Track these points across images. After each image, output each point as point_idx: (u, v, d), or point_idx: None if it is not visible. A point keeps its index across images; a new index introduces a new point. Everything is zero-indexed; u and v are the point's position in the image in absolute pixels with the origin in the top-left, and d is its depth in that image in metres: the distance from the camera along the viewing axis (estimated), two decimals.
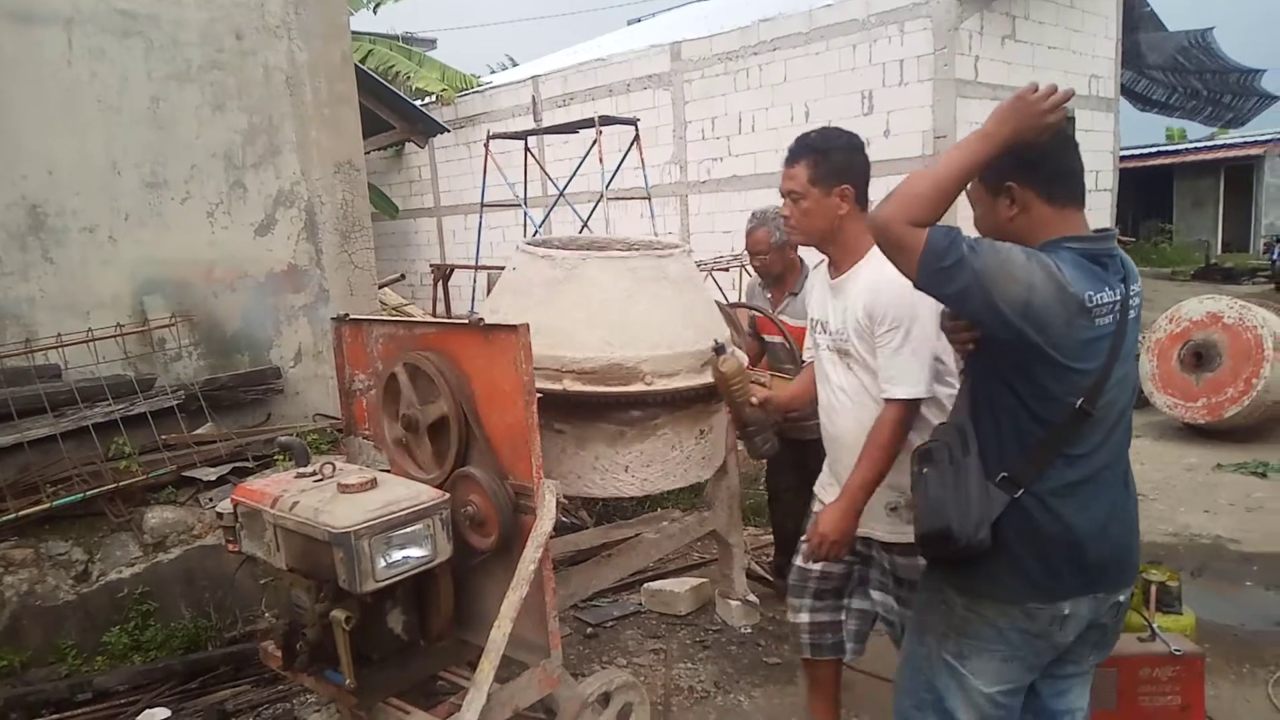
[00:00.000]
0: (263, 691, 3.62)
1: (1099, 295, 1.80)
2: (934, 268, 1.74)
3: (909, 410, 2.39)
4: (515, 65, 20.19)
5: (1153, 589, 3.62)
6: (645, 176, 9.68)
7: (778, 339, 4.06)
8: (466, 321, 2.75)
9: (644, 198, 9.65)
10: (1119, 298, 1.85)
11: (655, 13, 18.50)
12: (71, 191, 4.44)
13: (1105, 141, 11.93)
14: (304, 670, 2.74)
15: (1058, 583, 1.89)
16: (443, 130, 12.73)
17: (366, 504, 2.53)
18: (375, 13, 16.41)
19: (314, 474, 2.79)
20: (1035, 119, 1.76)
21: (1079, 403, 1.81)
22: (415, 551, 2.57)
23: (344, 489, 2.61)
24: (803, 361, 3.98)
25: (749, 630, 4.14)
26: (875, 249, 2.25)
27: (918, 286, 1.82)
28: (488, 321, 2.69)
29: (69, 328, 4.33)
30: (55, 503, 3.88)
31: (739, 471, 4.22)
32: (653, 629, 4.21)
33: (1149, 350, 6.99)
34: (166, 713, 3.45)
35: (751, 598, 4.23)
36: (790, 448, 4.11)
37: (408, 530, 2.56)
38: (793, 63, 10.65)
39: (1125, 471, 2.00)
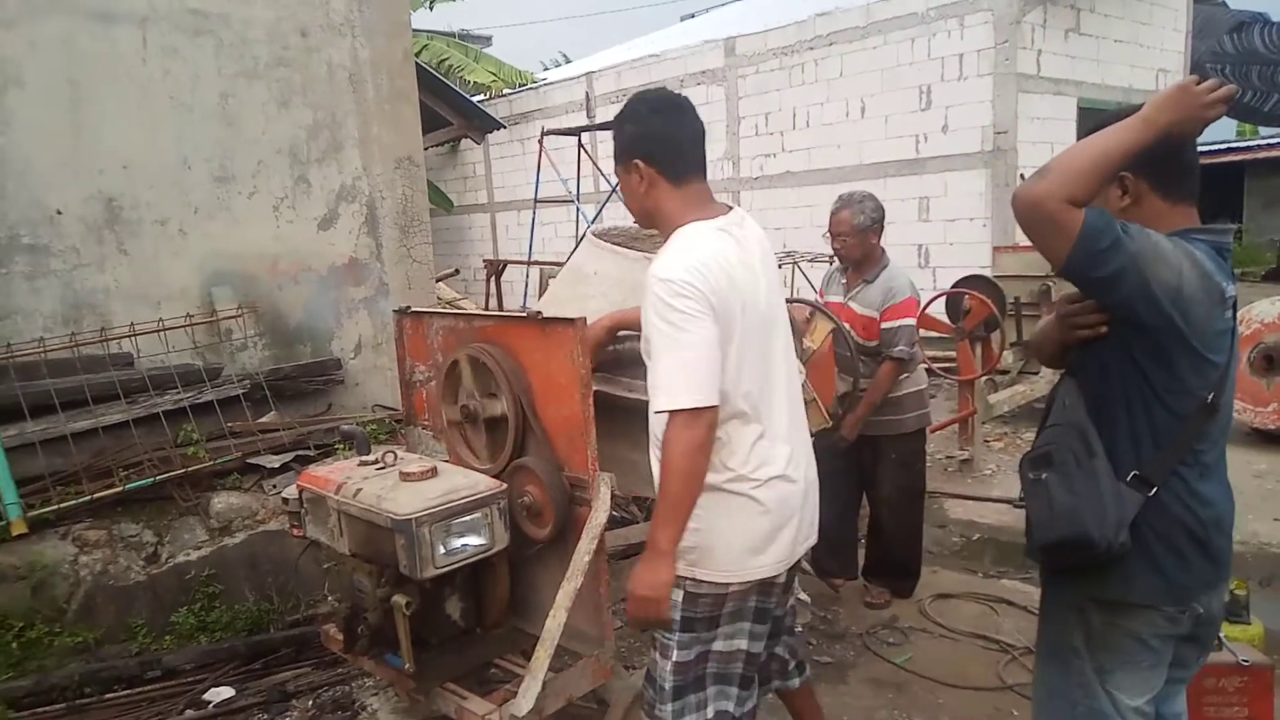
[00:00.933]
0: (323, 674, 3.70)
1: (1230, 288, 1.80)
2: (1092, 250, 1.67)
3: (690, 424, 1.92)
4: (569, 62, 20.29)
5: None
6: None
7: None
8: (525, 315, 2.78)
9: None
10: (1236, 293, 1.85)
11: (709, 8, 18.46)
12: (145, 185, 4.60)
13: None
14: (364, 653, 2.81)
15: (1194, 578, 1.85)
16: (499, 126, 12.85)
17: (427, 492, 2.59)
18: (431, 9, 16.61)
19: (376, 462, 2.86)
20: (1198, 110, 1.70)
21: (1210, 396, 1.79)
22: (473, 540, 2.62)
23: (405, 477, 2.67)
24: (862, 347, 3.98)
25: (800, 629, 4.11)
26: (681, 230, 2.05)
27: (1063, 270, 1.74)
28: (547, 314, 2.72)
29: (141, 317, 4.48)
30: (127, 486, 4.02)
31: None
32: None
33: None
34: (231, 692, 3.56)
35: (803, 596, 4.19)
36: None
37: (466, 519, 2.61)
38: (849, 57, 10.54)
39: (1225, 468, 1.97)
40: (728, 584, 2.09)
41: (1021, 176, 9.38)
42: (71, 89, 4.34)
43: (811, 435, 4.10)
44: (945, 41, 9.66)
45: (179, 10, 4.60)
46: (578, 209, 10.58)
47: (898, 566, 4.31)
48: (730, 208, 2.17)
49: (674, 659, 2.15)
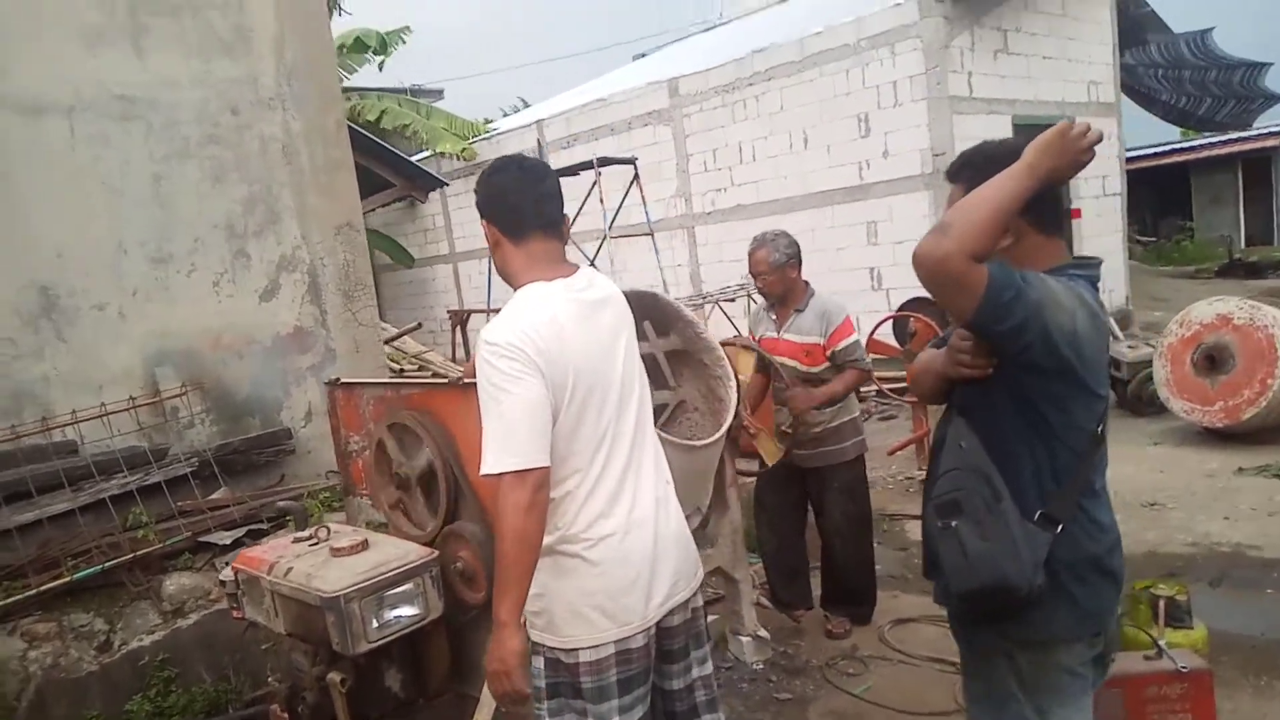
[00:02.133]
0: None
1: (1109, 321, 1.87)
2: (997, 304, 1.69)
3: (516, 487, 1.89)
4: (528, 106, 20.49)
5: (1161, 604, 3.60)
6: (647, 213, 9.82)
7: (781, 358, 4.12)
8: (447, 381, 2.83)
9: (647, 234, 9.76)
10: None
11: (661, 46, 18.75)
12: (81, 272, 4.62)
13: (1110, 146, 11.89)
14: None
15: (1103, 603, 1.89)
16: (442, 184, 12.96)
17: (357, 567, 2.61)
18: (381, 69, 16.77)
19: (310, 538, 2.87)
20: (1074, 155, 1.73)
21: (1099, 429, 1.83)
22: (407, 610, 2.63)
23: (336, 552, 2.69)
24: (808, 375, 4.05)
25: (761, 666, 4.13)
26: (519, 291, 2.07)
27: (969, 324, 1.77)
28: (467, 379, 2.76)
29: (84, 403, 4.48)
30: (76, 575, 3.99)
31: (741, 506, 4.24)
32: None
33: (1161, 355, 6.94)
34: None
35: (762, 632, 4.23)
36: (784, 466, 4.16)
37: (398, 590, 2.62)
38: (788, 91, 10.76)
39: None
40: (576, 650, 2.03)
41: None
42: (1, 181, 4.36)
43: (764, 467, 4.18)
44: (879, 70, 9.89)
45: (105, 98, 4.65)
46: None
47: (853, 594, 4.35)
48: (577, 268, 2.16)
49: None
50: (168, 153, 4.88)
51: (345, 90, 16.11)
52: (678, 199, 12.25)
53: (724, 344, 4.28)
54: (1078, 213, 11.19)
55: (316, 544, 2.82)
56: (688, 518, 2.36)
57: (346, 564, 2.63)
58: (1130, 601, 3.74)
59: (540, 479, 1.91)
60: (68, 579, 3.97)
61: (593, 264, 9.76)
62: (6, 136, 4.38)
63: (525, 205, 2.10)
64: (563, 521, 2.04)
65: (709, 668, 2.31)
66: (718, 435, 3.39)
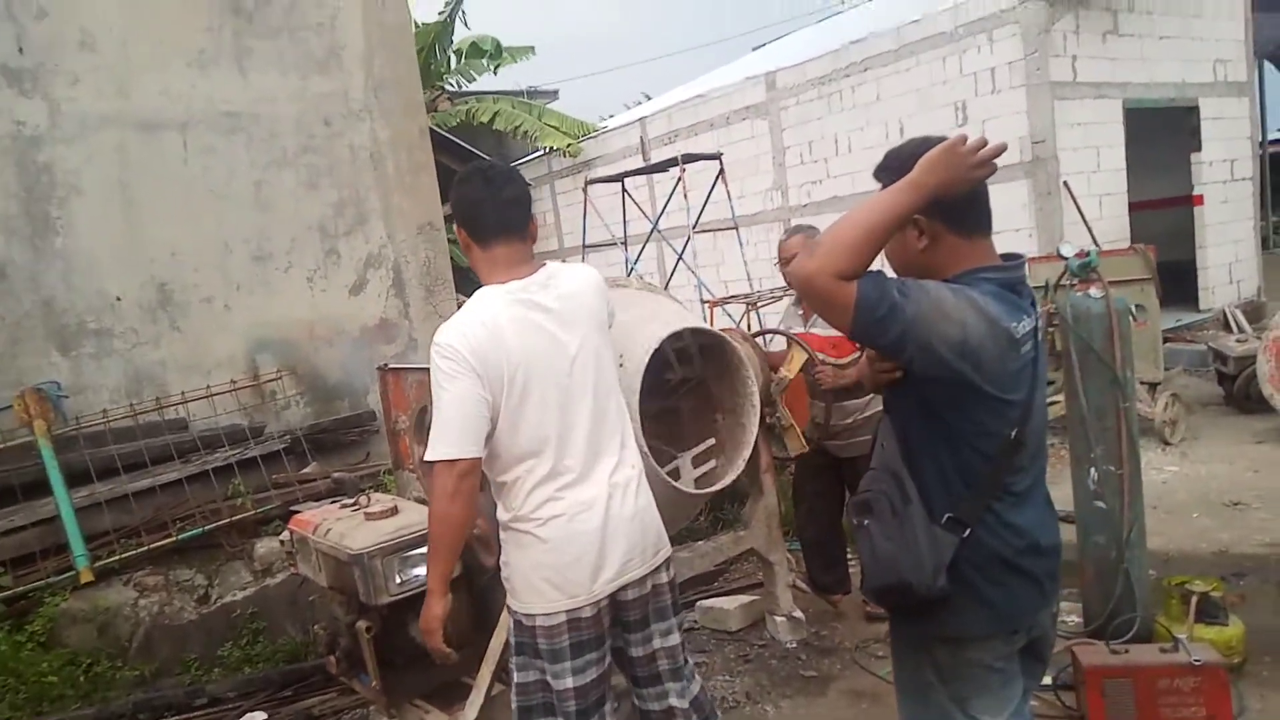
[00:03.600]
0: (345, 699, 4.08)
1: (1021, 325, 1.80)
2: (868, 320, 1.70)
3: (444, 473, 2.13)
4: (650, 100, 20.80)
5: (1194, 600, 3.53)
6: (732, 208, 9.92)
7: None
8: None
9: (732, 228, 9.90)
10: (1034, 324, 1.84)
11: (779, 37, 18.69)
12: (192, 269, 5.21)
13: (1240, 128, 11.14)
14: (344, 674, 3.16)
15: (1020, 604, 1.90)
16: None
17: (383, 529, 2.95)
18: (495, 74, 17.47)
19: (353, 504, 3.24)
20: (964, 172, 1.70)
21: (1014, 433, 1.81)
22: (425, 569, 2.94)
23: (369, 516, 3.04)
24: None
25: (794, 645, 4.26)
26: (476, 294, 2.26)
27: (851, 338, 1.81)
28: None
29: (193, 385, 5.06)
30: (181, 536, 4.56)
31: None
32: (702, 644, 4.40)
33: (1265, 350, 6.57)
34: (264, 716, 3.98)
35: (797, 613, 4.35)
36: (822, 455, 4.26)
37: (418, 551, 2.94)
38: (884, 81, 10.63)
39: (1045, 489, 2.02)
40: (532, 614, 2.25)
41: (1065, 185, 9.26)
42: (124, 191, 5.00)
43: (790, 459, 4.29)
44: (976, 57, 9.64)
45: (214, 114, 5.23)
46: (625, 252, 10.98)
47: None
48: (541, 267, 2.31)
49: (515, 680, 2.37)
50: (268, 161, 5.43)
51: (462, 94, 16.94)
52: (774, 192, 12.29)
53: (758, 334, 4.44)
54: (1199, 199, 10.57)
55: (356, 509, 3.18)
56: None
57: (375, 526, 2.97)
58: (1162, 596, 3.69)
59: (466, 468, 2.13)
60: (174, 539, 4.54)
61: (680, 258, 9.98)
62: (128, 151, 5.00)
63: (488, 213, 2.27)
64: (514, 503, 2.27)
65: (673, 639, 2.48)
66: (709, 491, 3.55)
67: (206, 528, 4.63)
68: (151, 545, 4.49)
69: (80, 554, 4.33)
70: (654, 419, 3.42)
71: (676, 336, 3.41)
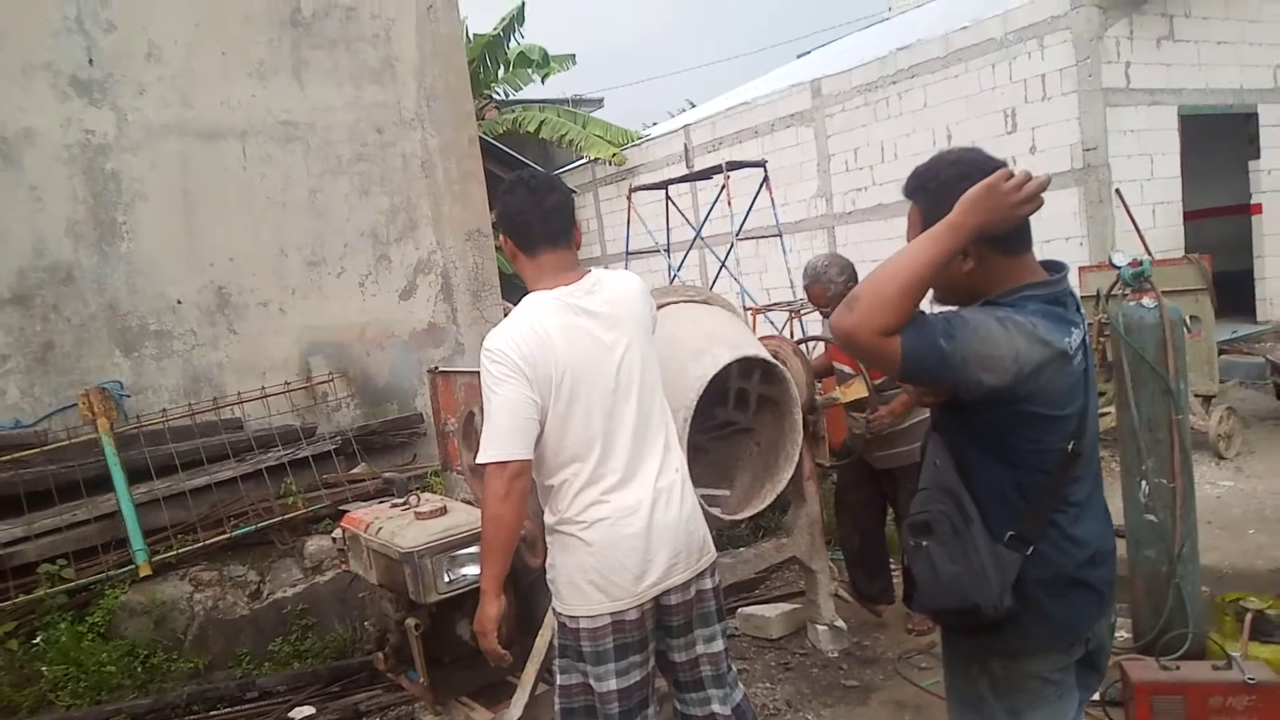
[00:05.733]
0: (391, 696, 4.16)
1: (1072, 339, 1.76)
2: (914, 372, 1.68)
3: (495, 476, 2.18)
4: (694, 107, 20.89)
5: (1248, 617, 3.46)
6: (776, 215, 9.91)
7: (843, 366, 4.23)
8: None
9: (776, 235, 9.88)
10: (1083, 335, 1.84)
11: (825, 44, 18.65)
12: (249, 273, 5.36)
13: None
14: (392, 670, 3.24)
15: (1081, 617, 1.88)
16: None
17: (432, 528, 3.01)
18: (543, 82, 17.66)
19: (404, 503, 3.31)
20: (1007, 210, 1.65)
21: (1070, 446, 1.78)
22: (473, 569, 3.00)
23: (419, 516, 3.11)
24: (878, 386, 4.14)
25: (835, 654, 4.25)
26: (524, 300, 2.31)
27: (901, 381, 1.87)
28: None
29: (249, 386, 5.20)
30: (235, 533, 4.69)
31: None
32: (742, 651, 4.41)
33: None
34: (312, 710, 4.08)
35: (839, 623, 4.34)
36: (863, 465, 4.26)
37: (467, 551, 3.00)
38: (931, 88, 10.56)
39: (1102, 496, 1.98)
40: (576, 617, 2.28)
41: (1117, 192, 9.11)
42: (185, 197, 5.17)
43: (822, 466, 4.29)
44: (1026, 63, 9.54)
45: (272, 123, 5.38)
46: (667, 260, 11.02)
47: None
48: (586, 274, 2.35)
49: (558, 682, 2.41)
50: (323, 169, 5.57)
51: (509, 102, 17.15)
52: (819, 199, 12.25)
53: (803, 341, 4.45)
54: (1257, 208, 10.32)
55: (406, 508, 3.25)
56: None
57: (425, 526, 3.04)
58: (1216, 613, 3.62)
59: (517, 470, 2.18)
60: (228, 535, 4.67)
61: (723, 266, 9.99)
62: (190, 159, 5.17)
63: (533, 222, 2.32)
64: (560, 505, 2.31)
65: (717, 645, 2.49)
66: (741, 516, 3.63)
67: (259, 525, 4.75)
68: (207, 541, 4.62)
69: (139, 548, 4.47)
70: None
71: (745, 375, 3.46)
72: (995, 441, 1.79)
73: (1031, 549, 1.79)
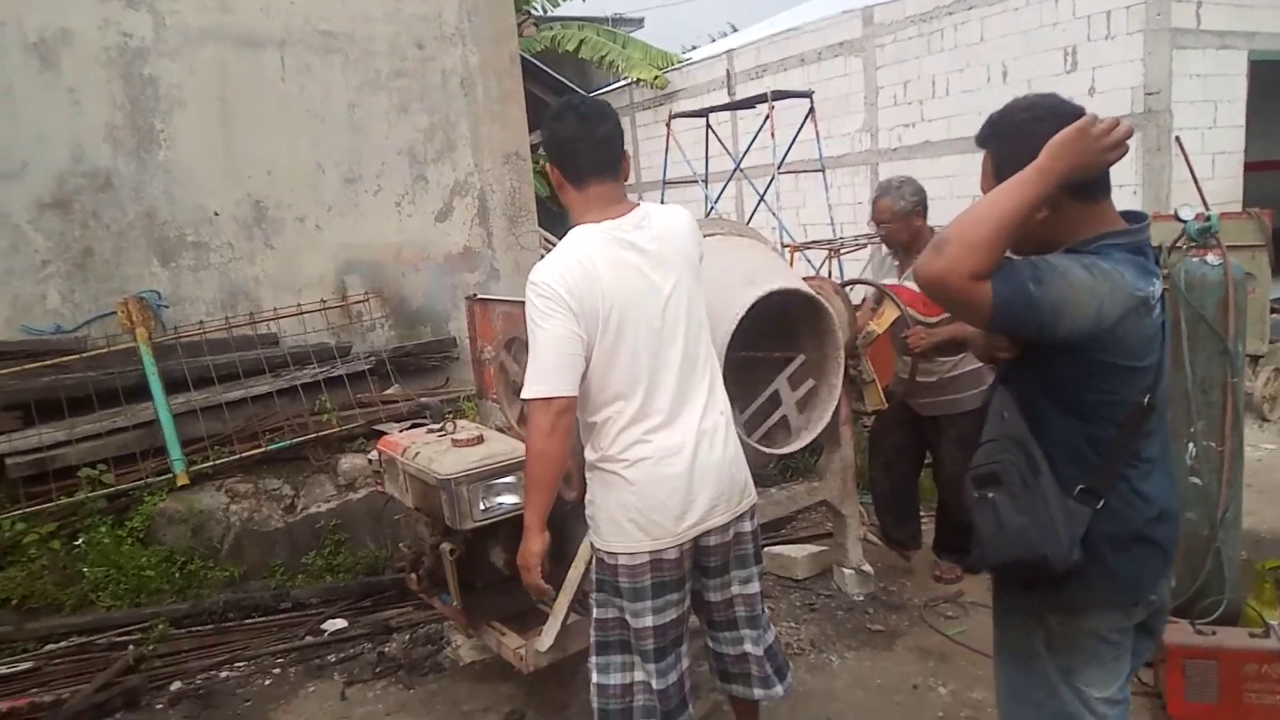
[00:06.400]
0: (420, 613, 4.24)
1: (1154, 289, 1.74)
2: (1005, 319, 1.67)
3: (541, 411, 2.16)
4: (736, 32, 20.29)
5: None
6: (820, 149, 9.67)
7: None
8: None
9: (819, 170, 9.65)
10: (1162, 285, 1.78)
11: None
12: (287, 188, 5.30)
13: None
14: (425, 592, 3.28)
15: (1146, 574, 1.86)
16: None
17: (470, 456, 3.01)
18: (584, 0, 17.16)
19: (440, 429, 3.31)
20: (1096, 155, 1.63)
21: (1146, 399, 1.77)
22: (509, 498, 3.01)
23: (456, 443, 3.11)
24: (927, 324, 4.06)
25: (861, 598, 4.26)
26: (570, 232, 2.24)
27: (987, 330, 1.80)
28: None
29: (284, 302, 5.19)
30: (270, 447, 4.73)
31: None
32: (768, 590, 4.42)
33: None
34: (344, 623, 4.17)
35: (866, 567, 4.35)
36: (904, 409, 4.19)
37: (503, 480, 3.01)
38: (989, 21, 10.13)
39: (1170, 453, 1.96)
40: (615, 554, 2.29)
41: (1177, 140, 8.77)
42: (223, 107, 5.08)
43: (870, 414, 4.23)
44: None
45: (311, 33, 5.25)
46: (704, 190, 10.82)
47: (962, 544, 4.36)
48: (634, 207, 2.28)
49: (594, 615, 2.43)
50: (361, 83, 5.45)
51: (547, 19, 16.69)
52: (863, 134, 11.92)
53: (848, 283, 4.35)
54: None
55: (443, 435, 3.25)
56: None
57: (462, 453, 3.04)
58: (1253, 578, 3.57)
59: (562, 406, 2.16)
60: (264, 449, 4.72)
61: (761, 199, 9.80)
62: (228, 67, 5.07)
63: (583, 152, 2.23)
64: (603, 443, 2.29)
65: (753, 587, 2.51)
66: (782, 451, 3.65)
67: (294, 440, 4.79)
68: (243, 454, 4.67)
69: (177, 458, 4.53)
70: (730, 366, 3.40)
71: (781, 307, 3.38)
72: (1069, 393, 1.77)
73: (1101, 503, 1.77)
